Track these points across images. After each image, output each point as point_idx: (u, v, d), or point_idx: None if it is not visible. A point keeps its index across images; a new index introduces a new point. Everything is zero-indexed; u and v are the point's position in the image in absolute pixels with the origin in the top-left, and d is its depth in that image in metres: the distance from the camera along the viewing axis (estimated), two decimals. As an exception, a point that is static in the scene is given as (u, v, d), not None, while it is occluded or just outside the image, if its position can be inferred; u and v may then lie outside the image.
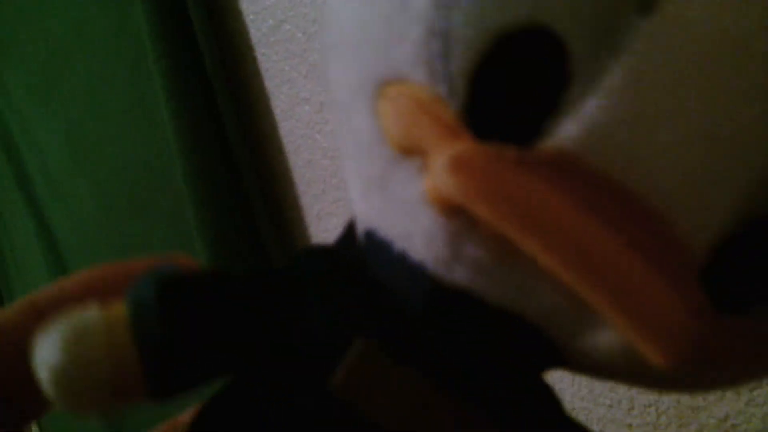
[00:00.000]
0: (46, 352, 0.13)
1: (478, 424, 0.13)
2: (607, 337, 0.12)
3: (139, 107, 0.71)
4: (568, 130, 0.10)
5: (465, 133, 0.11)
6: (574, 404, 0.43)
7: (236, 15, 0.59)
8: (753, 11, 0.09)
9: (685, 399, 0.38)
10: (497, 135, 0.11)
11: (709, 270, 0.11)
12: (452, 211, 0.12)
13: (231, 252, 0.58)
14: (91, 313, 0.14)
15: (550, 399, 0.15)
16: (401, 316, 0.13)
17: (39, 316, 0.15)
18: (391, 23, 0.12)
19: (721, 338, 0.11)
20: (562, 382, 0.43)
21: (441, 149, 0.11)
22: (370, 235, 0.14)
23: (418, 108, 0.12)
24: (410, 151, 0.12)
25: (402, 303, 0.13)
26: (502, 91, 0.11)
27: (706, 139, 0.10)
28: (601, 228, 0.10)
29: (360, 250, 0.15)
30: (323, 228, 0.60)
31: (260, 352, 0.14)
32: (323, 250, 0.15)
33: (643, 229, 0.11)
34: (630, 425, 0.41)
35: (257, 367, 0.14)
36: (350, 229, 0.15)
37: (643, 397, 0.40)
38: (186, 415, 0.17)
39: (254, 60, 0.59)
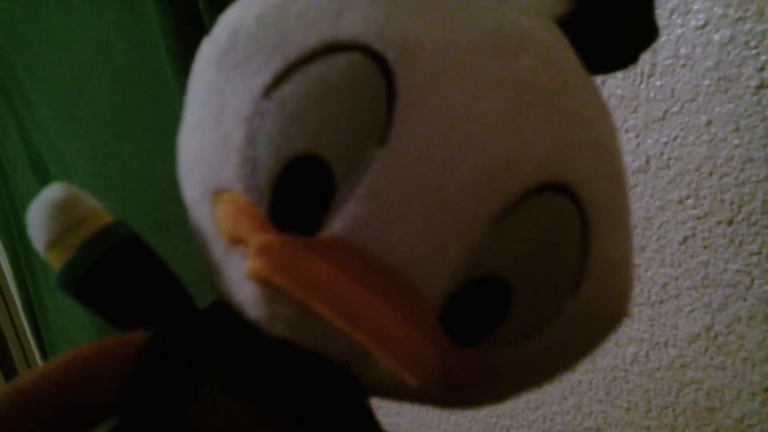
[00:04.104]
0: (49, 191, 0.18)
1: None
2: (384, 369, 0.16)
3: (160, 124, 0.72)
4: (336, 225, 0.15)
5: (270, 227, 0.16)
6: (591, 407, 0.43)
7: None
8: (450, 146, 0.15)
9: (702, 400, 0.38)
10: (293, 229, 0.16)
11: (447, 314, 0.16)
12: (265, 282, 0.16)
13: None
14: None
15: (369, 420, 0.20)
16: (242, 363, 0.18)
17: (24, 400, 0.17)
18: (219, 151, 0.17)
19: (461, 362, 0.16)
20: (579, 386, 0.43)
21: (253, 239, 0.16)
22: (220, 304, 0.19)
23: (238, 210, 0.16)
24: (236, 241, 0.17)
25: (243, 353, 0.18)
26: (295, 198, 0.16)
27: (426, 225, 0.15)
28: (361, 290, 0.15)
29: (215, 318, 0.19)
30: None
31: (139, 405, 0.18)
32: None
33: (392, 288, 0.15)
34: (648, 427, 0.41)
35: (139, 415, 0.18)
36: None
37: (660, 398, 0.40)
38: None
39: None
